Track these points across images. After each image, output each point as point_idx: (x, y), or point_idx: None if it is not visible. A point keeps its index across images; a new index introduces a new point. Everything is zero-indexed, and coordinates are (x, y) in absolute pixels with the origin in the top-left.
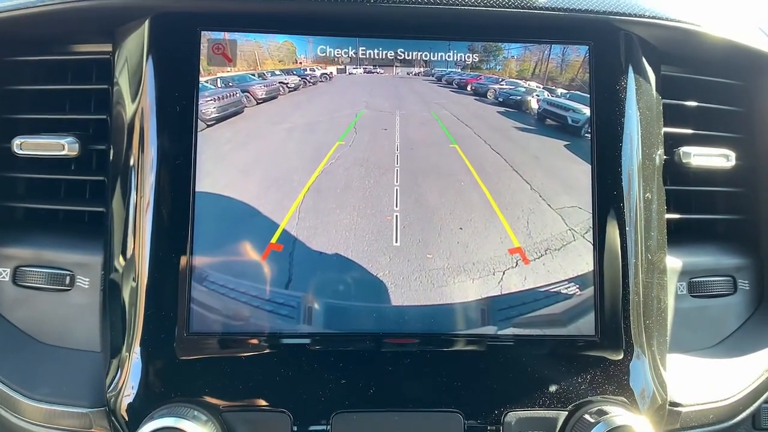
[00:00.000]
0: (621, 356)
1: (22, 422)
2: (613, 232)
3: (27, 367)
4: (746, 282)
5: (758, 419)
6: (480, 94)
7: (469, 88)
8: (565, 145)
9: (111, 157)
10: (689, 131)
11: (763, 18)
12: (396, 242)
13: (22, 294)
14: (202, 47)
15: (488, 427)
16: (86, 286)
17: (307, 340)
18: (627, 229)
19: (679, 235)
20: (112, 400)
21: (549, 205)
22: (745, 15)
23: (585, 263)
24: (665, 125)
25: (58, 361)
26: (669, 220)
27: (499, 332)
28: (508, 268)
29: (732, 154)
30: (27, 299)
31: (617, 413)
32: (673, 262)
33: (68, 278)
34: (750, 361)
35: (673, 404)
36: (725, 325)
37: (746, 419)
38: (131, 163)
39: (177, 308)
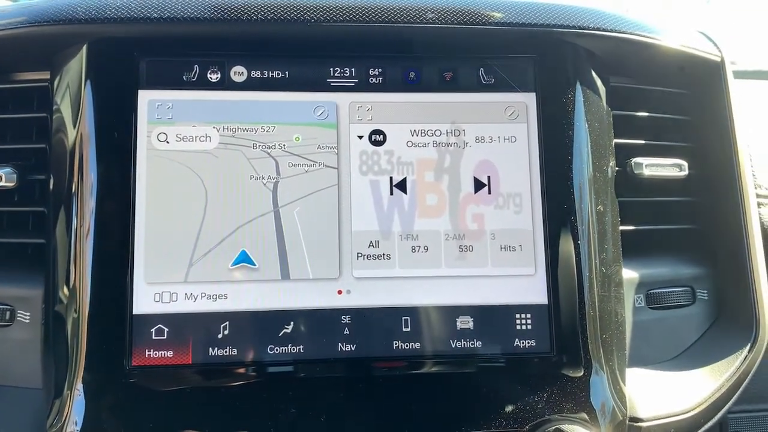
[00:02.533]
0: (578, 373)
1: None
2: (565, 246)
3: None
4: (705, 292)
5: (725, 430)
6: None
7: None
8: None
9: (51, 187)
10: (641, 142)
11: (702, 23)
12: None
13: None
14: (140, 73)
15: None
16: (27, 321)
17: (253, 368)
18: (580, 242)
19: (635, 247)
20: None
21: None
22: (687, 22)
23: (538, 279)
24: (616, 137)
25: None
26: (624, 232)
27: (451, 347)
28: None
29: (684, 164)
30: None
31: (575, 431)
32: (630, 274)
33: (8, 313)
34: (711, 371)
35: (634, 419)
36: (685, 336)
37: (711, 430)
38: (71, 192)
39: (119, 341)
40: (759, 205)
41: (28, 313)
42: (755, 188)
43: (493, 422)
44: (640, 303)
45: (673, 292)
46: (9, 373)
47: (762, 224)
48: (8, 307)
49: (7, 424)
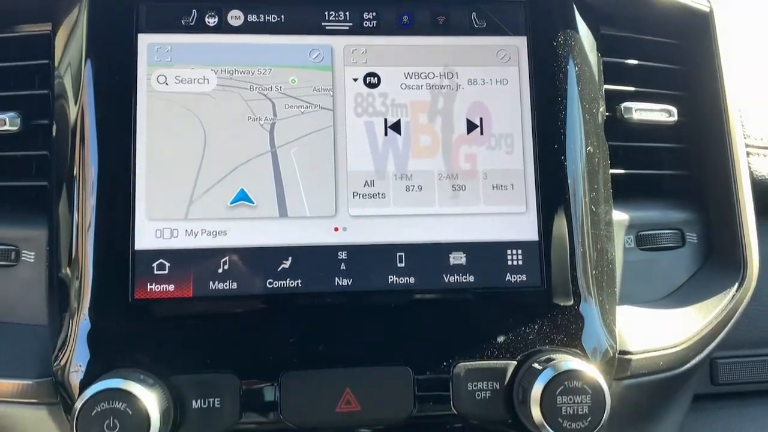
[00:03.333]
0: (569, 306)
1: None
2: (556, 185)
3: None
4: (694, 235)
5: (716, 375)
6: None
7: None
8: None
9: (54, 130)
10: (630, 89)
11: None
12: None
13: None
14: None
15: (437, 380)
16: (32, 260)
17: (252, 301)
18: (570, 181)
19: (625, 191)
20: (57, 369)
21: None
22: None
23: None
24: (606, 83)
25: (3, 336)
26: (614, 176)
27: (445, 282)
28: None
29: (674, 110)
30: None
31: (565, 360)
32: (620, 216)
33: (13, 253)
34: (699, 310)
35: (623, 352)
36: (674, 277)
37: (699, 366)
38: (73, 134)
39: (122, 275)
40: (748, 154)
41: (32, 253)
42: (744, 138)
43: (485, 352)
44: (630, 244)
45: (662, 234)
46: (15, 311)
47: (751, 173)
48: (13, 247)
49: (15, 359)
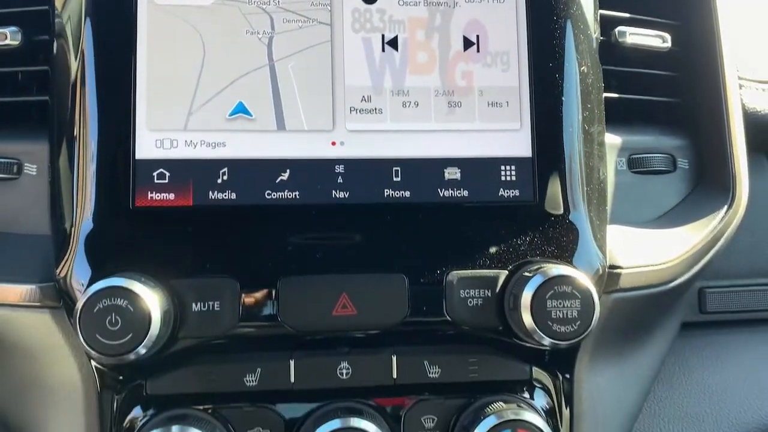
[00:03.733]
0: (560, 220)
1: None
2: (550, 103)
3: None
4: (685, 161)
5: (704, 303)
6: None
7: None
8: None
9: (54, 45)
10: (626, 15)
11: None
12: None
13: None
14: None
15: (431, 287)
16: (34, 173)
17: (251, 211)
18: (564, 100)
19: (618, 115)
20: (60, 274)
21: None
22: None
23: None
24: (601, 7)
25: (5, 245)
26: (607, 99)
27: (439, 196)
28: None
29: (668, 36)
30: None
31: (556, 267)
32: (613, 138)
33: (15, 167)
34: (689, 230)
35: (613, 267)
36: (664, 201)
37: (688, 285)
38: (75, 47)
39: (123, 184)
40: (741, 86)
41: (34, 166)
42: (736, 70)
43: (478, 262)
44: (621, 166)
45: (654, 157)
46: (18, 223)
47: (743, 105)
48: (15, 161)
49: (18, 266)
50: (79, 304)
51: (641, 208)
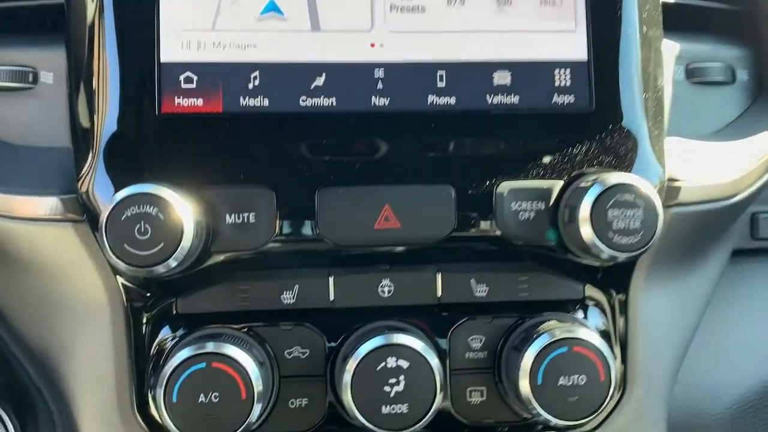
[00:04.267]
0: (617, 128)
1: None
2: (606, 2)
3: None
4: (745, 71)
5: (756, 230)
6: None
7: None
8: None
9: None
10: None
11: None
12: None
13: None
14: None
15: (479, 199)
16: (51, 82)
17: (285, 119)
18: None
19: (676, 22)
20: (82, 185)
21: None
22: None
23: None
24: None
25: (24, 158)
26: (665, 5)
27: (488, 102)
28: None
29: None
30: None
31: (615, 175)
32: (671, 45)
33: (31, 75)
34: (750, 144)
35: (672, 179)
36: (724, 113)
37: (749, 201)
38: None
39: (147, 89)
40: None
41: (51, 74)
42: None
43: (530, 172)
44: (679, 76)
45: (713, 67)
46: (36, 135)
47: None
48: (30, 69)
49: (37, 179)
50: (106, 212)
51: (699, 121)
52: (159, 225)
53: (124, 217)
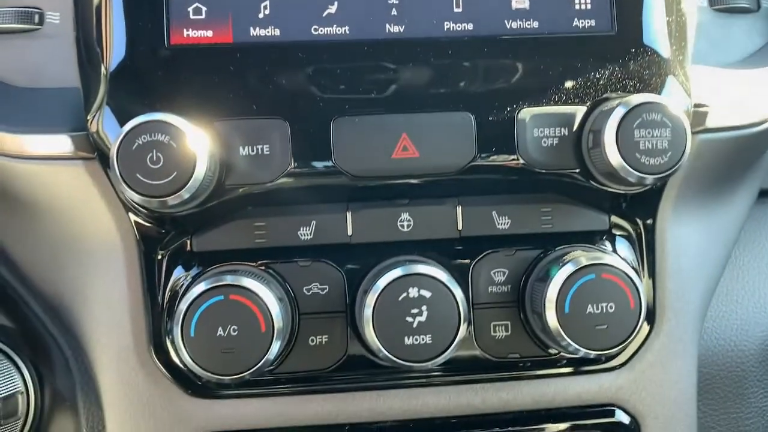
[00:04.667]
0: (640, 51)
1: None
2: None
3: (1, 107)
4: None
5: None
6: None
7: None
8: None
9: None
10: None
11: None
12: None
13: None
14: None
15: (500, 126)
16: (57, 21)
17: (298, 48)
18: None
19: None
20: (92, 121)
21: None
22: None
23: None
24: None
25: (33, 99)
26: None
27: (506, 27)
28: None
29: None
30: None
31: (641, 96)
32: None
33: (37, 16)
34: None
35: (698, 105)
36: (749, 42)
37: None
38: None
39: (155, 20)
40: None
41: (57, 14)
42: None
43: (552, 98)
44: (702, 2)
45: None
46: (44, 76)
47: None
48: (36, 9)
49: (46, 118)
50: (117, 141)
51: (723, 49)
52: (171, 154)
53: (135, 145)
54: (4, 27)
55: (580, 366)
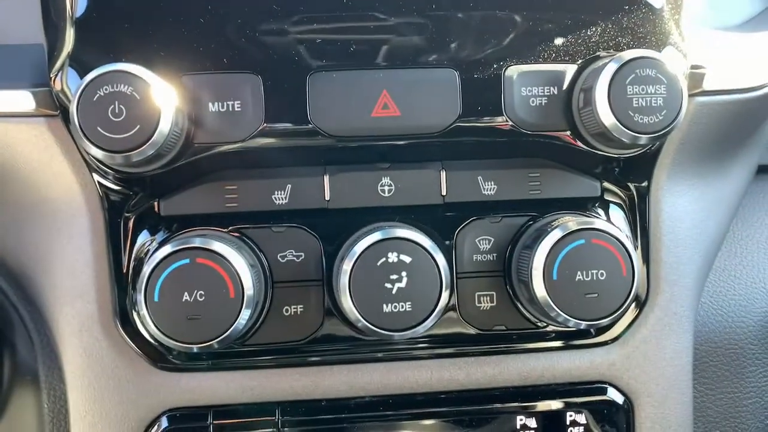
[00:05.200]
0: (636, 8)
1: None
2: None
3: None
4: None
5: None
6: None
7: None
8: None
9: None
10: None
11: None
12: None
13: None
14: None
15: (487, 84)
16: None
17: None
18: None
19: None
20: (53, 75)
21: None
22: None
23: None
24: None
25: None
26: None
27: None
28: None
29: None
30: None
31: (634, 51)
32: None
33: None
34: None
35: (695, 66)
36: (749, 6)
37: None
38: None
39: None
40: None
41: None
42: None
43: (542, 54)
44: None
45: None
46: (8, 33)
47: None
48: None
49: (8, 75)
50: (78, 92)
51: (723, 12)
52: (134, 105)
53: (96, 96)
54: None
55: (569, 340)
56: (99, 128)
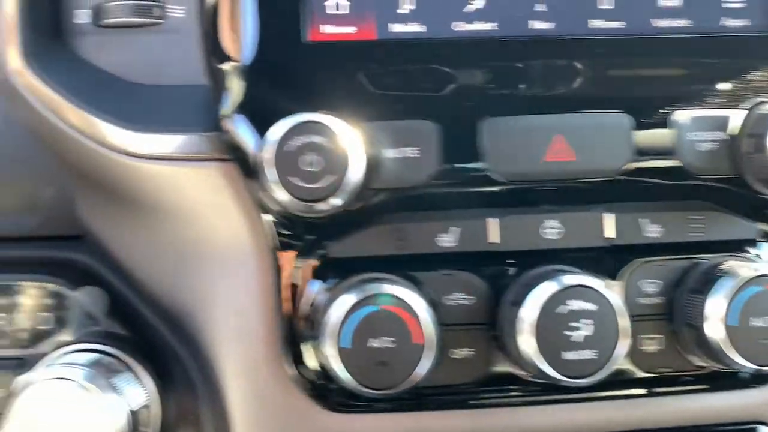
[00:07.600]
0: None
1: (127, 159)
2: None
3: (125, 105)
4: None
5: None
6: None
7: None
8: None
9: None
10: None
11: None
12: None
13: (106, 36)
14: None
15: (657, 128)
16: (181, 15)
17: (443, 46)
18: None
19: None
20: (226, 121)
21: None
22: None
23: None
24: None
25: (156, 97)
26: None
27: (656, 29)
28: None
29: None
30: (113, 41)
31: None
32: None
33: (157, 9)
34: None
35: None
36: None
37: None
38: None
39: (291, 16)
40: None
41: (181, 7)
42: None
43: (709, 99)
44: None
45: None
46: (167, 73)
47: None
48: (155, 2)
49: (173, 115)
50: (274, 143)
51: None
52: (328, 155)
53: (290, 146)
54: (121, 21)
55: (726, 381)
56: (294, 178)
